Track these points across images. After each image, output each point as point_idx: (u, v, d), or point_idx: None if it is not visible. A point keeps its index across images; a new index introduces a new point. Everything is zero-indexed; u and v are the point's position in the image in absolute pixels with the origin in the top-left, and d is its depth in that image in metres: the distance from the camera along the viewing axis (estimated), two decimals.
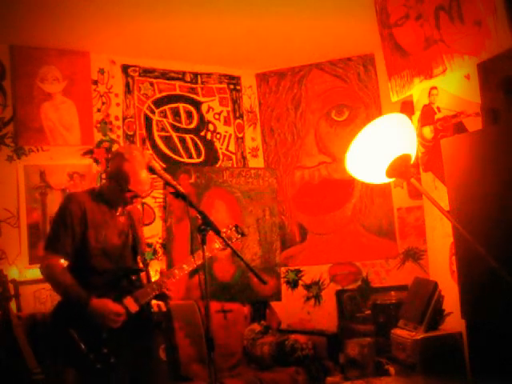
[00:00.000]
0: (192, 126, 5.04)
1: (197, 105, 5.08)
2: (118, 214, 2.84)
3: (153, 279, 2.89)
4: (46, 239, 2.83)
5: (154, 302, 2.96)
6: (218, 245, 2.89)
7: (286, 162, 5.26)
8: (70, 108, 4.45)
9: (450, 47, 3.30)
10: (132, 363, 2.70)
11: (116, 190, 2.76)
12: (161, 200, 4.74)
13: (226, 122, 5.21)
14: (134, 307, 2.69)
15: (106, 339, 2.62)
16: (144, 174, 2.73)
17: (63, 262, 2.71)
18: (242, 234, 2.98)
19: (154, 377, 2.81)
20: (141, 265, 2.90)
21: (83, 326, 2.59)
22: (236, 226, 2.97)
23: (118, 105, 4.69)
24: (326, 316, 4.97)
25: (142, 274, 2.88)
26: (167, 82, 4.96)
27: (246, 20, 4.19)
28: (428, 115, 3.82)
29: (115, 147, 4.51)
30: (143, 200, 4.62)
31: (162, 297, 2.83)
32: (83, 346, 2.57)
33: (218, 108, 5.19)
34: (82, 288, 2.65)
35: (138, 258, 2.91)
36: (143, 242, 3.09)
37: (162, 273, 2.91)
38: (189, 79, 5.07)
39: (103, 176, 4.39)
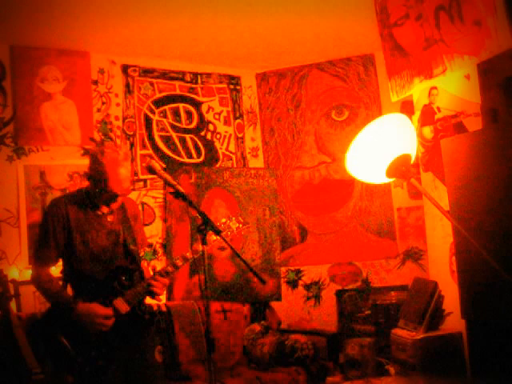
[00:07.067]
0: (192, 125, 5.04)
1: (197, 105, 5.08)
2: (104, 213, 2.81)
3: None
4: (33, 249, 2.84)
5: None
6: (214, 237, 2.79)
7: (286, 162, 5.25)
8: (70, 108, 4.45)
9: (450, 47, 3.30)
10: (125, 365, 2.70)
11: (96, 190, 2.74)
12: (161, 200, 4.74)
13: (226, 122, 5.21)
14: (124, 308, 2.68)
15: (94, 342, 2.61)
16: (122, 171, 2.71)
17: (51, 270, 2.72)
18: (244, 223, 2.92)
19: (146, 379, 2.79)
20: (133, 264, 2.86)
21: (72, 331, 2.60)
22: (238, 216, 2.90)
23: (117, 105, 4.69)
24: (325, 316, 4.96)
25: (136, 272, 2.86)
26: (167, 81, 4.95)
27: (246, 20, 4.19)
28: (428, 115, 3.82)
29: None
30: (143, 200, 4.64)
31: (151, 294, 2.79)
32: (72, 351, 2.57)
33: (218, 108, 5.19)
34: (73, 292, 2.68)
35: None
36: (140, 237, 3.01)
37: (154, 271, 2.90)
38: (189, 79, 5.07)
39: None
